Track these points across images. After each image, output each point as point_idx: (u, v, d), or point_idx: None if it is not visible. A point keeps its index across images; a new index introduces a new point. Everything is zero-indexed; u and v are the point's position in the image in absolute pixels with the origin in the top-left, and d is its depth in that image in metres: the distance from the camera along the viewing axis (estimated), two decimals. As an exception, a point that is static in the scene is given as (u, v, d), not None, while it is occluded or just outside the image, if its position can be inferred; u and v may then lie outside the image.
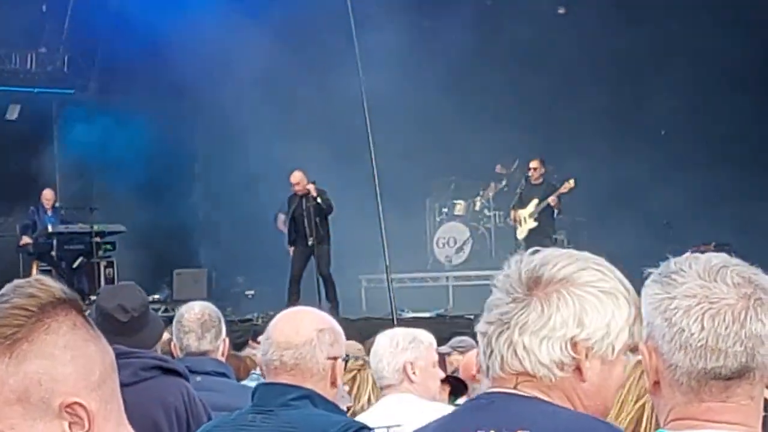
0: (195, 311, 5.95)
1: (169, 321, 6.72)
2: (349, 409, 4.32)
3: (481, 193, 22.07)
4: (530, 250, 2.48)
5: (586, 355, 2.40)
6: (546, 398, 2.41)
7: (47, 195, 19.42)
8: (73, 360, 1.78)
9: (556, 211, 18.52)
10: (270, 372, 4.01)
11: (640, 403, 3.21)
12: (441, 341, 6.75)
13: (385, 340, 5.20)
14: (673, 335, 2.19)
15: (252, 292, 21.81)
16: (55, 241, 18.77)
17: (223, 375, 5.79)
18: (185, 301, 6.44)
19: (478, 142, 20.02)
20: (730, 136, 19.95)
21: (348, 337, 8.21)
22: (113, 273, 18.86)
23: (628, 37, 20.57)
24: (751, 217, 18.87)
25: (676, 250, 2.36)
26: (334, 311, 16.49)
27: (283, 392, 3.95)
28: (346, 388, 4.44)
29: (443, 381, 5.54)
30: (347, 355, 4.07)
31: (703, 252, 2.28)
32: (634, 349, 2.42)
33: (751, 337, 2.17)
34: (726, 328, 2.16)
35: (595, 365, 2.41)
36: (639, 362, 2.82)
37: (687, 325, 2.17)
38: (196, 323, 5.88)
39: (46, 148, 20.80)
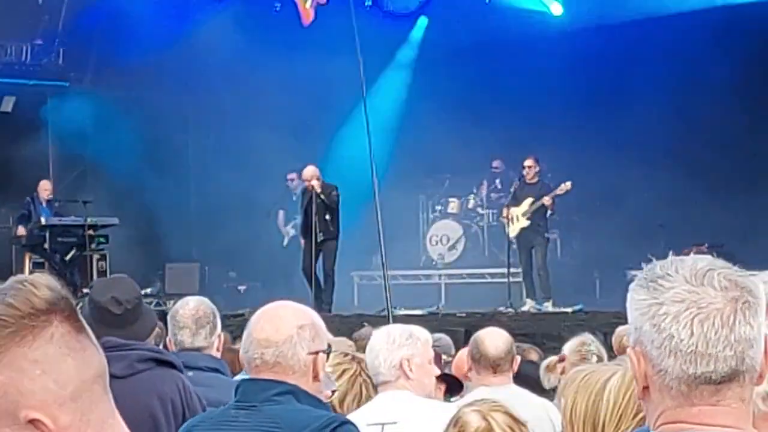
0: (189, 307, 5.91)
1: (160, 315, 6.71)
2: (334, 392, 4.30)
3: (474, 191, 22.07)
4: None
5: None
6: None
7: (44, 186, 19.30)
8: (43, 374, 1.76)
9: (549, 211, 18.51)
10: (252, 369, 4.00)
11: (639, 416, 3.15)
12: (432, 339, 6.73)
13: (381, 337, 5.17)
14: (662, 341, 2.18)
15: (244, 286, 21.78)
16: (48, 234, 18.72)
17: (216, 370, 5.74)
18: (177, 295, 6.41)
19: (472, 140, 20.02)
20: (724, 137, 19.96)
21: (340, 334, 8.26)
22: (106, 266, 18.80)
23: (619, 36, 20.62)
24: (744, 218, 18.89)
25: (670, 252, 2.35)
26: (326, 311, 16.42)
27: (266, 388, 3.94)
28: (330, 370, 4.42)
29: (438, 378, 5.51)
30: (329, 346, 4.06)
31: (696, 253, 2.28)
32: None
33: (740, 340, 2.17)
34: (715, 333, 2.16)
35: None
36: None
37: (676, 330, 2.17)
38: (190, 319, 5.85)
39: (40, 140, 20.75)
